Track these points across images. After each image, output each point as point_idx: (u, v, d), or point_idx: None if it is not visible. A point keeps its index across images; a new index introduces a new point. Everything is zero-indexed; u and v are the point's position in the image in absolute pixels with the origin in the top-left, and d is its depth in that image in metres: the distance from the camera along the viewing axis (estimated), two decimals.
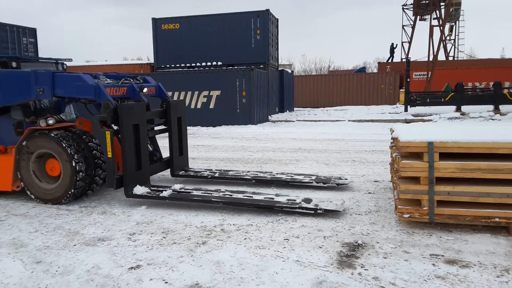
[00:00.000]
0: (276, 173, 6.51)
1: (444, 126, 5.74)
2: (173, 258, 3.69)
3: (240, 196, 5.19)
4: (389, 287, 3.04)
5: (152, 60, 20.33)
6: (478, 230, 4.08)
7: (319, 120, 17.40)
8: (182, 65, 18.61)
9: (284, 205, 4.80)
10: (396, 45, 32.46)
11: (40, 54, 16.58)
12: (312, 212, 4.69)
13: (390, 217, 4.60)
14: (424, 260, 3.47)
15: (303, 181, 6.05)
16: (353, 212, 4.86)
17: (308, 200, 4.97)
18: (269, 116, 18.35)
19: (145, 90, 6.07)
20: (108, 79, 5.91)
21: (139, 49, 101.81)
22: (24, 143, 5.53)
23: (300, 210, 4.73)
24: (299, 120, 17.60)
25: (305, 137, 12.23)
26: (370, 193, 5.69)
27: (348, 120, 16.81)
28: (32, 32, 16.77)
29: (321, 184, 5.93)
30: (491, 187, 3.94)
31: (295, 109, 24.24)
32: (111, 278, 3.35)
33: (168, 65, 18.79)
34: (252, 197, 5.13)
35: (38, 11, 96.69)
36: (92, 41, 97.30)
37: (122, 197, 5.87)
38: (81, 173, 5.35)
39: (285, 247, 3.85)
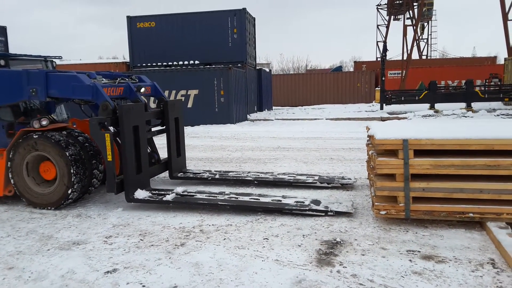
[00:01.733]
0: (278, 174, 6.38)
1: (418, 123, 5.85)
2: (151, 261, 3.63)
3: (246, 198, 5.06)
4: (367, 284, 3.07)
5: (128, 59, 19.99)
6: (453, 225, 4.17)
7: (297, 119, 17.50)
8: (159, 64, 18.36)
9: (294, 208, 4.70)
10: (385, 43, 32.31)
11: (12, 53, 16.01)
12: (323, 214, 4.61)
13: (367, 214, 4.66)
14: (401, 256, 3.52)
15: (307, 181, 5.93)
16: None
17: (317, 202, 4.87)
18: (248, 115, 18.34)
19: (142, 89, 5.89)
20: (104, 79, 5.70)
21: (114, 48, 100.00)
22: (16, 146, 5.26)
23: (310, 213, 4.63)
24: (277, 119, 17.66)
25: (284, 135, 12.27)
26: (347, 190, 5.74)
27: (326, 119, 16.96)
28: (2, 30, 16.21)
29: (325, 185, 5.82)
30: (464, 183, 4.04)
31: (273, 108, 24.31)
32: (87, 283, 3.26)
33: (144, 64, 18.51)
34: (259, 199, 5.01)
35: (10, 10, 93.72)
36: (66, 40, 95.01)
37: (97, 199, 5.75)
38: (78, 176, 5.14)
39: (264, 247, 3.84)
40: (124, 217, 4.90)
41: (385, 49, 31.60)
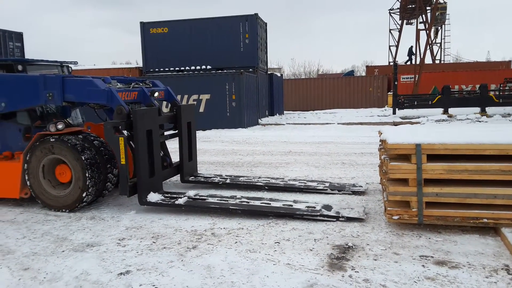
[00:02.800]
0: (289, 180, 6.37)
1: (431, 128, 5.80)
2: (163, 263, 3.66)
3: (257, 203, 5.07)
4: None
5: (140, 64, 20.22)
6: (467, 231, 4.12)
7: (309, 123, 17.47)
8: (171, 69, 18.54)
9: (305, 213, 4.70)
10: (412, 46, 31.64)
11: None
12: (334, 220, 4.59)
13: (380, 219, 4.63)
14: (414, 262, 3.50)
15: (317, 188, 5.90)
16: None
17: (328, 207, 4.86)
18: (259, 120, 18.37)
19: (156, 94, 5.96)
20: (118, 84, 5.79)
21: (128, 53, 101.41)
22: (33, 148, 5.36)
23: (322, 218, 4.62)
24: (289, 123, 17.65)
25: (295, 140, 12.26)
26: (359, 195, 5.71)
27: (338, 123, 16.90)
28: (19, 36, 16.56)
29: (336, 192, 5.78)
30: (478, 188, 3.99)
31: (285, 112, 24.30)
32: (100, 284, 3.31)
33: (157, 69, 18.70)
34: (270, 204, 5.02)
35: (23, 14, 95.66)
36: (80, 44, 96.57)
37: (110, 201, 5.83)
38: (93, 179, 5.22)
39: (276, 250, 3.84)
40: (137, 219, 4.95)
41: (410, 53, 31.04)
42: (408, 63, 30.94)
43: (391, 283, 3.14)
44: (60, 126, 5.41)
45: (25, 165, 5.41)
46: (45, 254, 3.98)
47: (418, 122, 15.65)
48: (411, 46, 31.22)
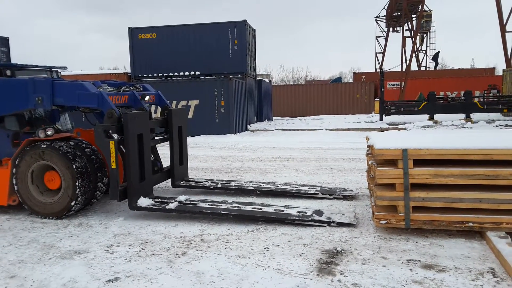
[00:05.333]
0: (280, 184, 6.40)
1: (417, 134, 5.90)
2: (152, 269, 3.64)
3: (249, 208, 5.07)
4: None
5: (129, 70, 20.12)
6: (453, 235, 4.19)
7: (297, 129, 17.55)
8: (160, 74, 18.48)
9: (296, 218, 4.71)
10: (439, 52, 31.71)
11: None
12: (325, 225, 4.62)
13: (368, 224, 4.67)
14: (402, 266, 3.54)
15: (308, 192, 5.93)
16: None
17: (319, 213, 4.89)
18: (248, 126, 18.39)
19: (147, 98, 5.93)
20: (109, 87, 5.74)
21: (115, 58, 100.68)
22: (23, 153, 5.27)
23: (313, 223, 4.64)
24: (277, 129, 17.71)
25: (284, 146, 12.31)
26: (348, 200, 5.76)
27: (326, 129, 17.01)
28: (4, 41, 16.35)
29: (327, 196, 5.82)
30: (464, 192, 4.07)
31: (273, 118, 24.38)
32: None
33: (145, 75, 18.62)
34: (261, 209, 5.02)
35: (9, 19, 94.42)
36: (66, 50, 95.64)
37: (98, 208, 5.77)
38: (83, 189, 5.15)
39: (265, 256, 3.85)
40: (125, 226, 4.91)
41: (436, 57, 30.97)
42: (434, 68, 31.12)
43: (380, 287, 3.17)
44: (49, 132, 5.35)
45: (14, 169, 5.33)
46: (32, 261, 3.93)
47: (405, 128, 15.85)
48: (438, 51, 31.44)
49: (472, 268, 3.45)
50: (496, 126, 15.68)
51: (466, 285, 3.17)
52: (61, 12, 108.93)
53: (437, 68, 31.47)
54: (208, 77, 17.47)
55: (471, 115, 17.57)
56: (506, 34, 19.63)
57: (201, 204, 5.20)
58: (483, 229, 4.04)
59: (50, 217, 5.26)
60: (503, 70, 20.74)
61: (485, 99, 18.34)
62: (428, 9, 31.48)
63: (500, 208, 4.00)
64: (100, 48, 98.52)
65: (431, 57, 31.92)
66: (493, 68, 31.47)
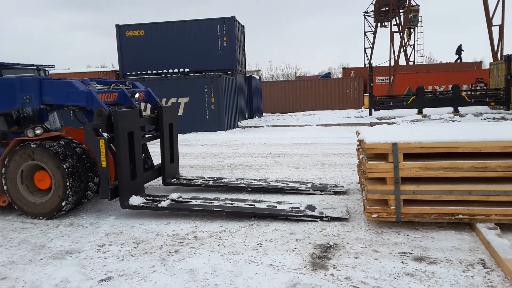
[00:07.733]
0: (271, 181, 6.40)
1: (407, 128, 5.95)
2: (145, 268, 3.63)
3: (241, 204, 5.06)
4: (361, 286, 3.12)
5: (117, 68, 19.94)
6: (443, 227, 4.25)
7: (288, 125, 17.59)
8: (149, 72, 18.36)
9: (289, 214, 4.72)
10: (461, 45, 31.04)
11: None
12: (318, 220, 4.63)
13: (359, 218, 4.71)
14: (394, 258, 3.58)
15: (300, 188, 5.94)
16: None
17: (312, 208, 4.91)
18: (238, 122, 18.37)
19: (137, 95, 5.88)
20: (98, 85, 5.67)
21: (103, 56, 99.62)
22: (12, 153, 5.19)
23: (306, 219, 4.65)
24: (268, 126, 17.72)
25: (275, 142, 12.33)
26: (339, 195, 5.80)
27: (316, 125, 17.08)
28: None
29: (318, 192, 5.84)
30: (453, 185, 4.12)
31: (264, 114, 24.38)
32: None
33: (133, 72, 18.48)
34: (254, 205, 5.02)
35: None
36: (53, 48, 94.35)
37: (89, 207, 5.73)
38: (74, 189, 5.08)
39: (258, 252, 3.86)
40: (117, 225, 4.88)
41: (459, 51, 30.59)
42: (458, 61, 30.71)
43: (372, 280, 3.20)
44: (38, 132, 5.27)
45: (3, 168, 5.25)
46: (23, 262, 3.88)
47: (394, 123, 15.97)
48: (460, 45, 30.89)
49: (463, 259, 3.50)
50: (484, 119, 15.89)
51: (457, 276, 3.21)
52: (43, 10, 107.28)
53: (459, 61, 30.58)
54: (198, 74, 17.40)
55: (459, 108, 17.78)
56: (492, 28, 19.87)
57: (194, 202, 5.19)
58: (472, 221, 4.10)
59: (41, 218, 5.20)
60: (490, 64, 21.00)
61: (472, 93, 18.55)
62: (415, 4, 31.70)
63: (489, 200, 4.06)
64: (86, 46, 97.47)
65: (454, 51, 31.09)
66: (480, 62, 31.81)
